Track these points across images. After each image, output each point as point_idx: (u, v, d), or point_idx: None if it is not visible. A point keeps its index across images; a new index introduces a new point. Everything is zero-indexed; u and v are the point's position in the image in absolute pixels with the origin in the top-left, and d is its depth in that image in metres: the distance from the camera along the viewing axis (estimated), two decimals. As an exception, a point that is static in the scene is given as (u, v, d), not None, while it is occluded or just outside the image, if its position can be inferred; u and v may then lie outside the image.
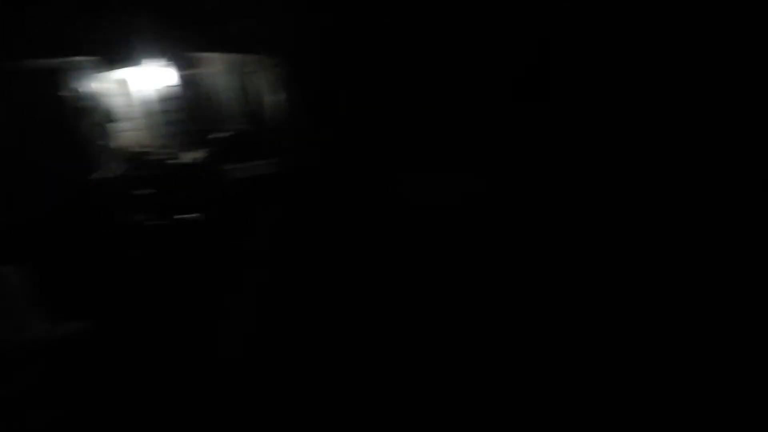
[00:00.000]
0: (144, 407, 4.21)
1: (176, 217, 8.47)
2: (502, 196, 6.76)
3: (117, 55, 13.39)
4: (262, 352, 4.74)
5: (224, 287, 6.03)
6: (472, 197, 6.78)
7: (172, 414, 4.14)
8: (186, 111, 14.06)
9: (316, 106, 10.50)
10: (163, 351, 4.88)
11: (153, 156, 12.60)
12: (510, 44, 7.72)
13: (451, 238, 6.18)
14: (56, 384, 4.31)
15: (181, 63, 13.74)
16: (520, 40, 7.61)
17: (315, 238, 6.96)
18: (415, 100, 8.96)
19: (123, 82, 14.17)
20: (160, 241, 7.56)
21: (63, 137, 9.65)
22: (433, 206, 6.90)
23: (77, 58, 10.67)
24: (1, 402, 4.07)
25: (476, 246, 5.92)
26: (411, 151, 8.09)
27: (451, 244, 6.07)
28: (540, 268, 5.31)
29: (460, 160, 7.45)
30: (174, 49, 13.51)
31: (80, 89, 10.44)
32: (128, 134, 14.04)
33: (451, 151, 7.82)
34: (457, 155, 7.66)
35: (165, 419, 4.09)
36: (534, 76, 7.46)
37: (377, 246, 6.32)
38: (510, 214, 6.39)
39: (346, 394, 4.06)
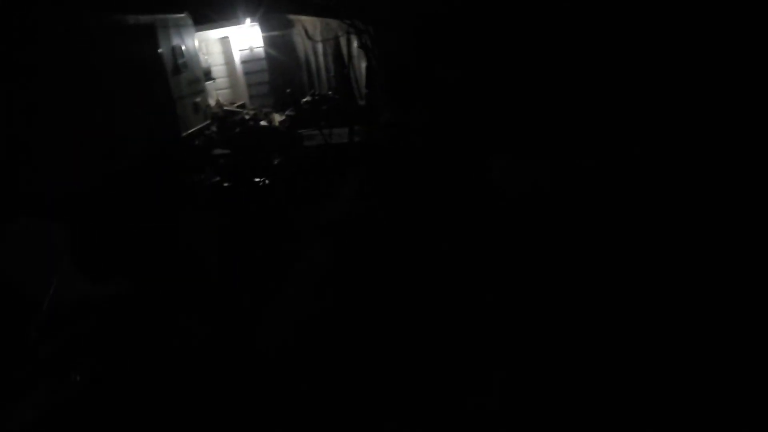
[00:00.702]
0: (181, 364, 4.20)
1: (255, 180, 8.44)
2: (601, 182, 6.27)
3: (217, 15, 13.59)
4: (316, 334, 4.59)
5: (288, 256, 5.93)
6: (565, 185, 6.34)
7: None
8: (279, 73, 14.14)
9: (405, 79, 10.18)
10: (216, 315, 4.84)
11: (242, 115, 12.75)
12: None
13: (538, 226, 5.78)
14: (100, 340, 4.34)
15: (278, 25, 13.80)
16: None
17: (385, 213, 6.72)
18: (511, 78, 8.49)
19: (221, 42, 14.42)
20: (234, 203, 7.55)
21: (159, 93, 9.82)
22: (522, 193, 6.51)
23: (178, 15, 10.82)
24: (47, 356, 4.13)
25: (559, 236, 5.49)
26: (501, 135, 7.68)
27: (537, 233, 5.67)
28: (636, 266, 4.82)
29: (560, 145, 6.99)
30: (272, 11, 13.56)
31: (180, 46, 10.59)
32: (222, 93, 14.32)
33: (548, 136, 7.37)
34: (555, 140, 7.20)
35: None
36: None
37: (454, 233, 6.01)
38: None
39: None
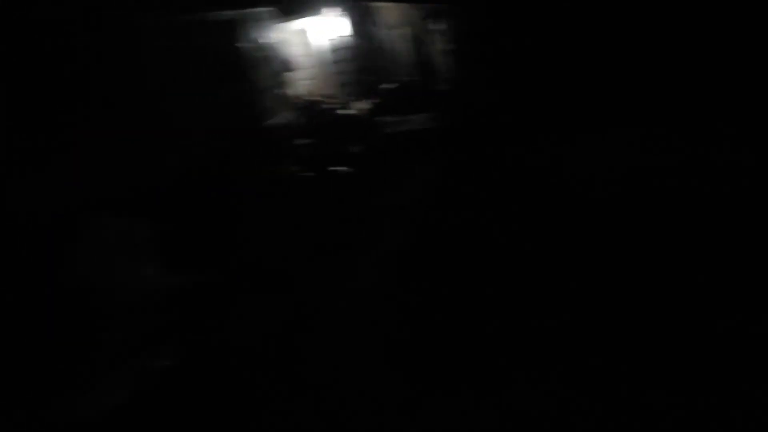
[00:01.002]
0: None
1: (331, 168, 8.50)
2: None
3: (295, 6, 13.75)
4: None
5: (359, 243, 5.91)
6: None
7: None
8: (359, 61, 14.15)
9: (485, 63, 9.91)
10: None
11: (322, 105, 12.86)
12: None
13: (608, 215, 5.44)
14: (180, 329, 4.49)
15: (357, 13, 13.80)
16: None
17: (462, 204, 6.54)
18: (592, 62, 8.09)
19: (300, 32, 14.57)
20: (310, 192, 7.63)
21: (240, 86, 10.06)
22: (595, 180, 6.17)
23: (256, 9, 11.05)
24: (131, 344, 4.32)
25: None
26: (581, 120, 7.31)
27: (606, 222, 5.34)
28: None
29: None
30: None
31: (259, 39, 10.81)
32: (302, 83, 14.51)
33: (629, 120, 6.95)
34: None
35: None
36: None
37: (528, 223, 5.77)
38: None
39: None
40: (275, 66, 11.30)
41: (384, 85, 12.73)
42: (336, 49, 14.45)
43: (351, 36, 14.06)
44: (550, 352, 3.73)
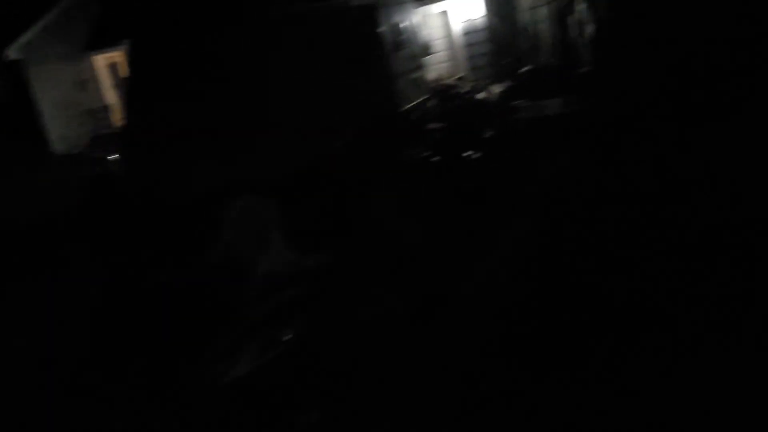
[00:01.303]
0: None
1: (463, 153, 8.46)
2: None
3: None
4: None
5: (488, 231, 5.85)
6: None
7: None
8: (495, 43, 13.95)
9: (632, 46, 9.35)
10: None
11: (457, 89, 12.81)
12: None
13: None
14: (306, 306, 4.70)
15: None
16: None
17: (598, 195, 6.27)
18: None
19: (437, 15, 14.59)
20: (441, 178, 7.66)
21: (378, 71, 10.26)
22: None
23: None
24: (260, 317, 4.60)
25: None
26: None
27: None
28: None
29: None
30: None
31: (395, 24, 10.95)
32: (437, 67, 14.52)
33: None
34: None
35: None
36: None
37: (675, 218, 5.43)
38: None
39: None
40: (411, 50, 11.40)
41: (520, 68, 12.47)
42: (472, 32, 14.34)
43: (487, 17, 13.87)
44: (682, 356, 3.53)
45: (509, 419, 3.36)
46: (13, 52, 14.65)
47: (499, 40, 13.80)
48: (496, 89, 12.33)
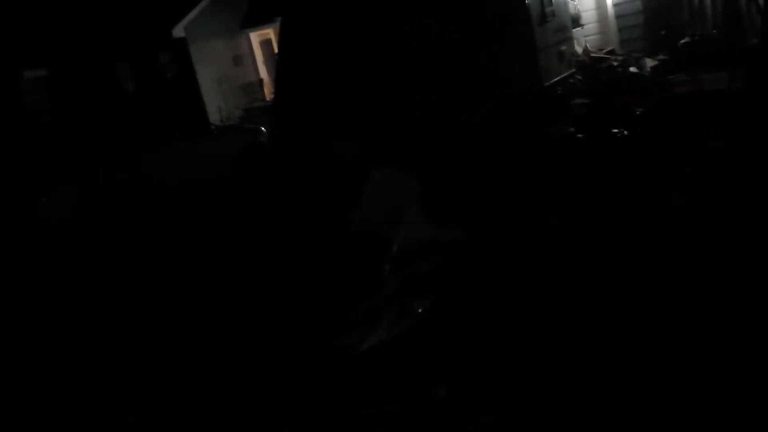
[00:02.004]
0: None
1: (612, 131, 8.06)
2: None
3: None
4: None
5: (634, 216, 5.58)
6: None
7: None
8: (649, 13, 13.10)
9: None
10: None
11: (609, 62, 12.22)
12: None
13: None
14: (440, 279, 4.74)
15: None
16: None
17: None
18: None
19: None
20: (585, 155, 7.35)
21: (523, 43, 9.99)
22: None
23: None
24: (395, 289, 4.70)
25: None
26: None
27: None
28: None
29: None
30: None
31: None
32: (590, 39, 13.87)
33: None
34: None
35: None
36: None
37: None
38: None
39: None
40: (558, 22, 10.95)
41: (678, 40, 11.62)
42: (625, 1, 13.52)
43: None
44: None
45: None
46: (178, 31, 15.83)
47: (655, 10, 12.92)
48: (650, 63, 11.59)
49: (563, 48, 10.95)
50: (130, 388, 4.59)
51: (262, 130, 11.70)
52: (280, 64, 10.51)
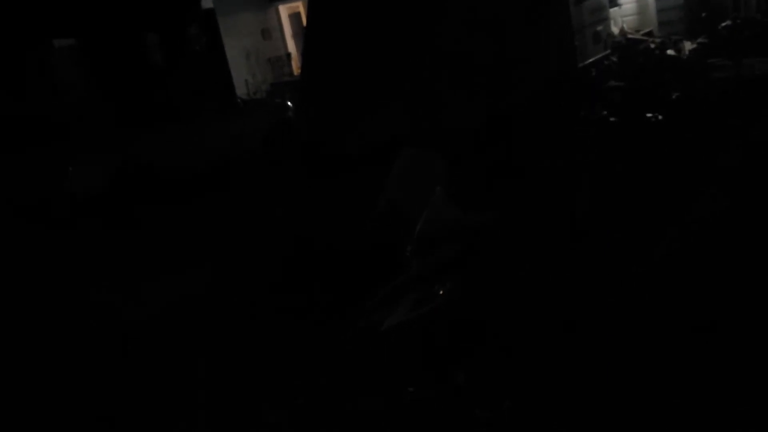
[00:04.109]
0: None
1: (648, 114, 7.85)
2: None
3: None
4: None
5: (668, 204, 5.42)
6: None
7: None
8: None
9: None
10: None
11: (647, 44, 11.89)
12: None
13: None
14: (464, 263, 4.64)
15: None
16: None
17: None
18: None
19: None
20: (618, 139, 7.17)
21: (557, 24, 9.75)
22: None
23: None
24: (417, 270, 4.62)
25: None
26: None
27: None
28: None
29: None
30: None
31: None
32: (627, 19, 13.51)
33: None
34: None
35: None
36: None
37: None
38: None
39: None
40: (596, 2, 10.67)
41: (719, 23, 11.27)
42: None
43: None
44: None
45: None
46: (207, 2, 15.74)
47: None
48: (689, 46, 11.26)
49: (599, 28, 10.68)
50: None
51: (289, 106, 11.63)
52: (307, 38, 10.37)
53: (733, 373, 3.23)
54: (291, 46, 18.07)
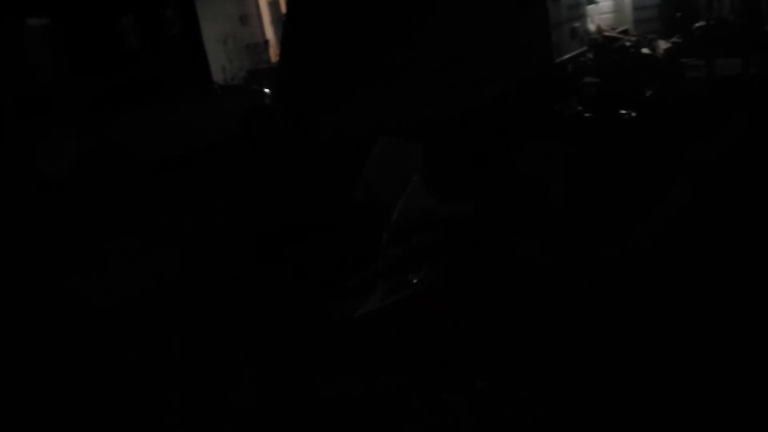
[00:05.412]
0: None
1: (621, 111, 7.96)
2: None
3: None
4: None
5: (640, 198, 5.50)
6: None
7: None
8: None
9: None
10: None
11: (622, 42, 12.04)
12: None
13: None
14: (438, 252, 4.69)
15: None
16: None
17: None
18: None
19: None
20: (592, 134, 7.26)
21: (535, 20, 9.81)
22: None
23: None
24: (392, 258, 4.66)
25: None
26: None
27: None
28: None
29: None
30: None
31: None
32: (604, 17, 13.64)
33: None
34: None
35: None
36: None
37: None
38: None
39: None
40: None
41: (694, 23, 11.44)
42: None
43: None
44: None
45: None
46: (184, -15, 15.53)
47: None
48: (664, 45, 11.42)
49: (576, 25, 10.77)
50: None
51: (266, 92, 11.54)
52: (286, 25, 10.29)
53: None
54: (269, 32, 17.91)
